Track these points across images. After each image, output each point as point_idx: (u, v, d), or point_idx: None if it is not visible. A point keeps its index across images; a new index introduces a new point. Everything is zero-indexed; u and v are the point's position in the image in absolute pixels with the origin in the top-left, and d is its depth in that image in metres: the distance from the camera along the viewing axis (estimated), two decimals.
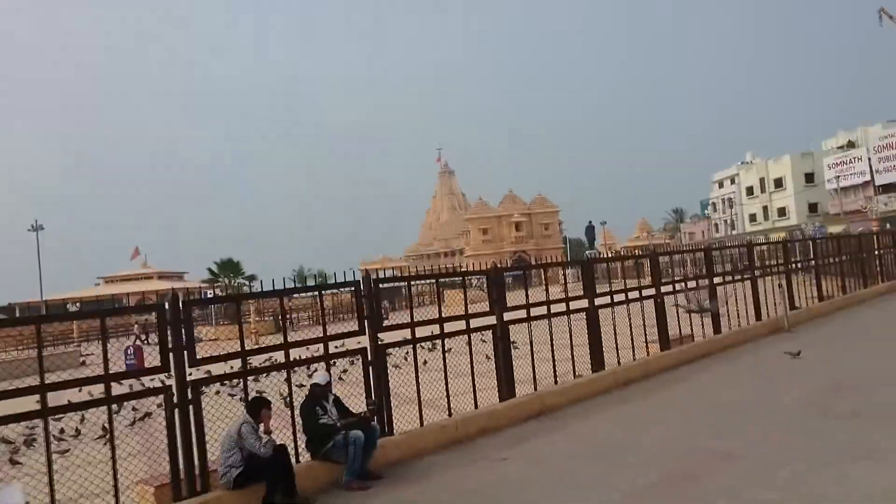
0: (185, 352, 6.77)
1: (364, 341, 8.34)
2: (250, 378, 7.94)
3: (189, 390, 6.72)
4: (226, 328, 42.75)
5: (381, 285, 8.63)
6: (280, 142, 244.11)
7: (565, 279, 11.77)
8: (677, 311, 13.38)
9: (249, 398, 7.20)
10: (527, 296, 10.28)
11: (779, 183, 79.45)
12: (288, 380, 7.71)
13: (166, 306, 6.75)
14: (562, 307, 10.83)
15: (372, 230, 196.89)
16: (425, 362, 10.33)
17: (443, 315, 9.15)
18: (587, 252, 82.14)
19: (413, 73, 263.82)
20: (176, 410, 6.61)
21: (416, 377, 8.69)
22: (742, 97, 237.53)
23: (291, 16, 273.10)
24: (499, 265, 10.58)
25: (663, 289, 13.04)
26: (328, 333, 8.06)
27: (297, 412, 7.56)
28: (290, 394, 7.66)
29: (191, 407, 6.67)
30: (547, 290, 10.73)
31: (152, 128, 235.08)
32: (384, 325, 8.59)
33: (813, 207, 75.15)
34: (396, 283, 10.88)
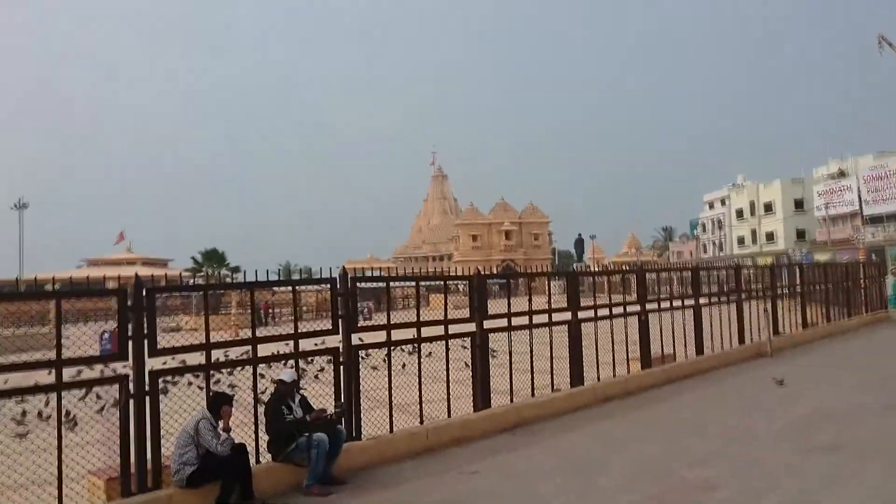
0: (146, 340, 6.42)
1: (337, 341, 8.06)
2: (226, 371, 7.62)
3: (147, 381, 6.38)
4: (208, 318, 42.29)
5: (358, 284, 8.33)
6: (279, 141, 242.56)
7: (549, 290, 11.53)
8: (661, 330, 13.16)
9: (211, 393, 6.87)
10: (508, 305, 10.01)
11: (769, 207, 79.80)
12: (254, 376, 7.39)
13: (128, 291, 6.39)
14: (544, 318, 10.59)
15: (367, 231, 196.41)
16: (404, 366, 10.05)
17: (421, 319, 8.88)
18: (574, 264, 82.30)
19: (411, 74, 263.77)
20: (131, 401, 6.27)
21: (389, 381, 8.43)
22: (736, 119, 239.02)
23: (293, 16, 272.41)
24: (484, 272, 10.31)
25: (648, 306, 12.82)
26: (302, 331, 7.78)
27: (261, 410, 7.24)
28: (255, 390, 7.33)
29: (147, 398, 6.34)
30: (530, 301, 10.47)
31: (154, 126, 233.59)
32: (360, 325, 8.30)
33: (801, 234, 75.53)
34: (376, 284, 10.57)
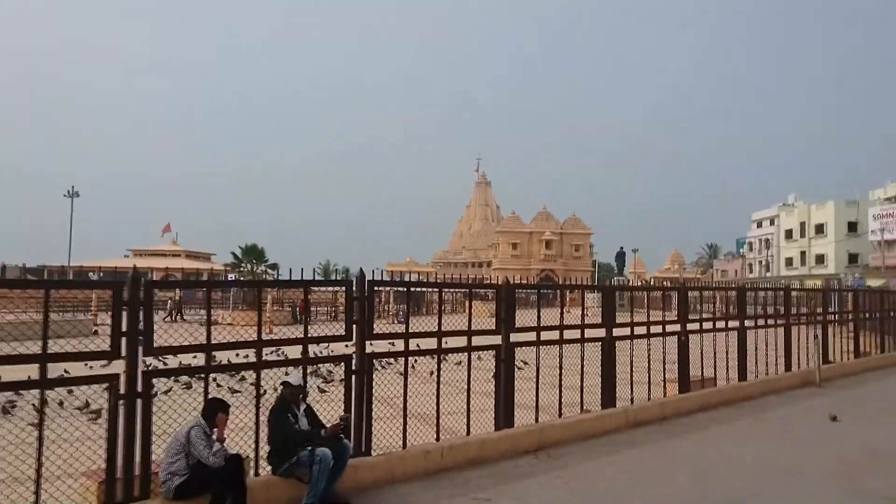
0: (141, 337, 6.00)
1: (350, 348, 7.58)
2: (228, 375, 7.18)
3: (139, 381, 5.93)
4: (244, 314, 42.25)
5: (376, 287, 7.83)
6: (328, 144, 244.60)
7: (584, 304, 10.90)
8: (701, 352, 12.40)
9: (208, 398, 6.42)
10: (538, 317, 9.41)
11: (820, 229, 77.33)
12: (257, 381, 6.93)
13: (124, 286, 5.98)
14: (576, 334, 9.97)
15: (411, 235, 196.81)
16: (432, 373, 9.55)
17: (444, 329, 8.32)
18: (615, 278, 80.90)
19: (462, 81, 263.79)
20: (121, 403, 5.84)
21: (405, 394, 7.85)
22: (789, 138, 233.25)
23: (342, 21, 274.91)
24: (524, 281, 9.75)
25: (689, 326, 12.06)
26: (312, 335, 7.32)
27: (263, 418, 6.76)
28: (258, 396, 6.85)
29: (139, 400, 5.90)
30: (562, 315, 9.85)
31: (211, 123, 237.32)
32: (376, 332, 7.79)
33: (853, 258, 72.96)
34: (397, 287, 10.11)
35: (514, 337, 9.09)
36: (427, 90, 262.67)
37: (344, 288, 7.66)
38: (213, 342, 6.67)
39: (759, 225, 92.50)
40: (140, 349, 6.00)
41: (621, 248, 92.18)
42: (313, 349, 8.13)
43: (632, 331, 10.91)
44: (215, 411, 6.01)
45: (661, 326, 11.54)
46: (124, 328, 5.94)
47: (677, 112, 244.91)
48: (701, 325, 12.46)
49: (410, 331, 8.03)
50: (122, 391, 5.85)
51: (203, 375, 6.93)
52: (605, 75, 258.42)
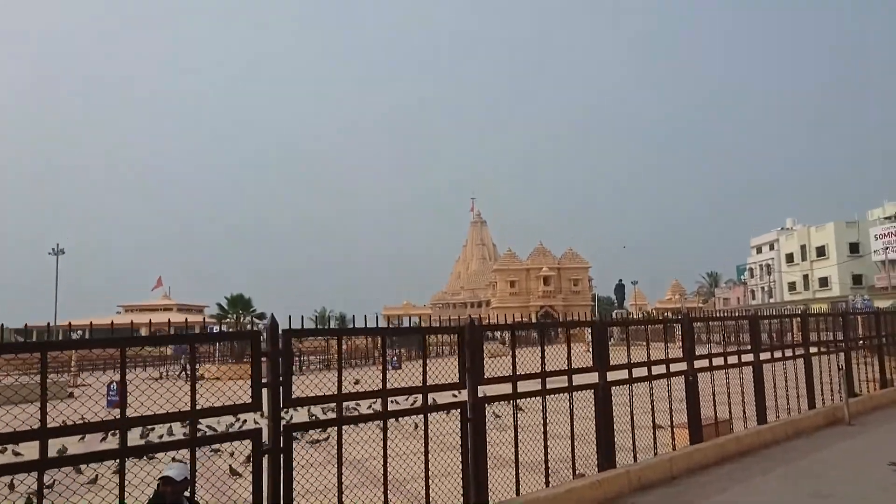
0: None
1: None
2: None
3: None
4: (230, 367, 40.33)
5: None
6: (312, 195, 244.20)
7: (569, 344, 9.17)
8: (713, 391, 10.65)
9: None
10: (514, 366, 7.70)
11: (821, 252, 75.75)
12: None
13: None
14: (563, 381, 8.27)
15: (404, 277, 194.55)
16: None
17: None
18: (615, 312, 78.91)
19: (452, 120, 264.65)
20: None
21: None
22: (782, 163, 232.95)
23: (312, 77, 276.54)
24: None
25: (697, 363, 10.32)
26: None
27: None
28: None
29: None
30: (543, 359, 8.13)
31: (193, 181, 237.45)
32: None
33: (857, 279, 71.21)
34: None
35: (483, 390, 7.36)
36: (417, 129, 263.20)
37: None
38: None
39: (759, 250, 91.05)
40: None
41: (620, 280, 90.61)
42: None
43: (630, 373, 9.17)
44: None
45: (664, 365, 9.81)
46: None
47: (671, 141, 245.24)
48: (711, 363, 10.69)
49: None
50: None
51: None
52: (597, 109, 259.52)
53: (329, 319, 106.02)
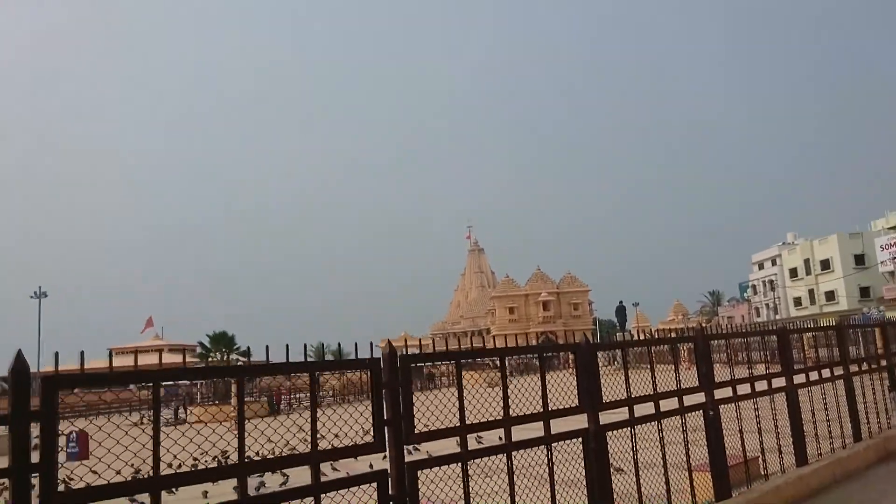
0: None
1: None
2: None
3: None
4: (214, 408, 37.70)
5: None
6: (311, 224, 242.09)
7: (543, 380, 6.83)
8: (740, 427, 8.27)
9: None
10: (461, 413, 5.38)
11: (826, 265, 73.51)
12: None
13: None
14: (538, 428, 5.93)
15: (401, 308, 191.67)
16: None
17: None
18: (617, 334, 76.34)
19: (446, 148, 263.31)
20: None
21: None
22: (779, 177, 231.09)
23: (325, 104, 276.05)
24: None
25: (718, 394, 7.94)
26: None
27: None
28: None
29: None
30: (505, 404, 5.81)
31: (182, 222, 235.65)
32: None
33: (864, 291, 68.90)
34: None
35: (419, 440, 5.10)
36: (413, 160, 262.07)
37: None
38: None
39: (761, 266, 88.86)
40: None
41: (620, 302, 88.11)
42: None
43: (631, 411, 6.78)
44: None
45: (676, 399, 7.43)
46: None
47: (667, 164, 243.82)
48: (735, 392, 8.31)
49: None
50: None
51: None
52: (591, 130, 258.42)
53: (324, 353, 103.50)
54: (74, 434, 26.08)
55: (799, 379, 9.66)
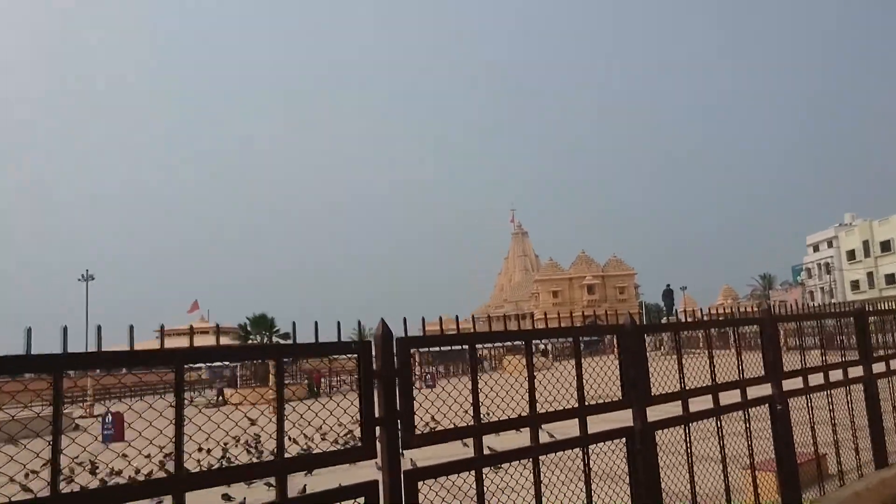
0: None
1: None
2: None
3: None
4: (255, 391, 37.20)
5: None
6: (362, 203, 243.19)
7: (578, 366, 5.79)
8: (812, 422, 7.11)
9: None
10: (477, 410, 4.40)
11: (886, 246, 70.33)
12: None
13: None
14: (571, 426, 4.93)
15: (447, 291, 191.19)
16: None
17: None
18: (664, 318, 74.43)
19: (488, 135, 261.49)
20: None
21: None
22: (836, 156, 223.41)
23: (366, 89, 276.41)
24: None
25: (787, 384, 6.79)
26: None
27: None
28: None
29: None
30: (532, 399, 4.80)
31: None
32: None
33: None
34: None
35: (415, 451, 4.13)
36: (460, 145, 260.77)
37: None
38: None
39: (816, 249, 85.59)
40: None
41: (668, 285, 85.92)
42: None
43: (685, 407, 5.69)
44: None
45: (738, 390, 6.32)
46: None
47: (716, 140, 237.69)
48: (806, 381, 7.13)
49: None
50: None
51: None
52: (639, 109, 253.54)
53: (362, 335, 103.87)
54: (111, 416, 25.71)
55: (878, 368, 8.43)
